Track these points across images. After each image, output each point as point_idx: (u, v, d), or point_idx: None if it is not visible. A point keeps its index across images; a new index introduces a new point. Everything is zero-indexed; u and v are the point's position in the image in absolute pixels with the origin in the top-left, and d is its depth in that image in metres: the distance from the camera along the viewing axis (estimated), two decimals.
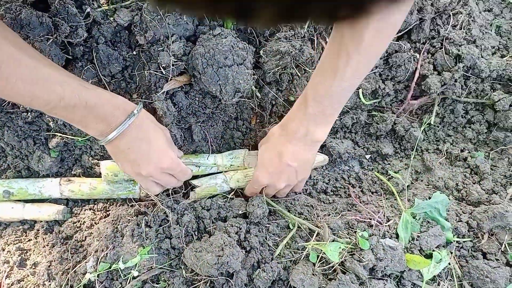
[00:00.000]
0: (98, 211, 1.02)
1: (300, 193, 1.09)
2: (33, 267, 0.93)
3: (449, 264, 0.95)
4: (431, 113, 1.11)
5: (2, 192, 0.97)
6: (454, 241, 0.98)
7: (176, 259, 0.92)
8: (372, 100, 1.12)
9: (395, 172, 1.10)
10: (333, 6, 0.27)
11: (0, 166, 1.03)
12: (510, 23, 1.12)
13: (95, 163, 1.03)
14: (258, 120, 1.11)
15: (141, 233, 0.90)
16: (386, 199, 1.07)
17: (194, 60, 0.92)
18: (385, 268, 0.90)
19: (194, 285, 0.90)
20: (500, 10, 1.13)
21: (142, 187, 0.97)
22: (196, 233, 0.94)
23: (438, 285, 0.95)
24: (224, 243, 0.87)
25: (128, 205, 1.01)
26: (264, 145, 0.99)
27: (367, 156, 1.16)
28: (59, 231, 0.98)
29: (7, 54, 0.66)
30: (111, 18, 0.94)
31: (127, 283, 0.88)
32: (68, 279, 0.89)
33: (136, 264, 0.88)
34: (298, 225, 0.98)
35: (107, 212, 1.02)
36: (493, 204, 0.99)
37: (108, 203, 1.04)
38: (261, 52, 1.00)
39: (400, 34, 1.07)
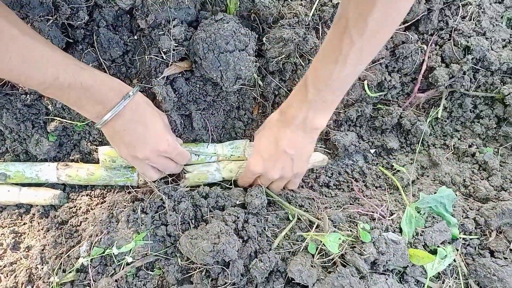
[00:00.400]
0: (95, 197, 1.01)
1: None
2: (27, 250, 0.92)
3: (455, 261, 0.92)
4: (439, 107, 1.08)
5: None
6: (460, 238, 0.94)
7: (171, 247, 0.90)
8: (377, 93, 1.09)
9: (398, 170, 1.07)
10: None
11: None
12: None
13: (94, 149, 1.02)
14: (260, 111, 1.09)
15: (137, 219, 0.88)
16: (390, 193, 1.04)
17: (195, 45, 0.91)
18: (387, 263, 0.87)
19: (189, 274, 0.88)
20: (511, 2, 1.10)
21: (139, 172, 0.95)
22: (193, 221, 0.92)
23: (443, 282, 0.92)
24: (220, 231, 0.85)
25: (125, 191, 0.99)
26: (261, 132, 0.96)
27: (372, 151, 1.13)
28: (55, 215, 0.97)
29: (2, 31, 0.65)
30: (113, 2, 0.93)
31: (121, 269, 0.86)
32: (61, 263, 0.87)
33: (130, 250, 0.86)
34: (298, 216, 0.95)
35: (104, 199, 1.00)
36: (501, 200, 0.96)
37: (106, 189, 1.02)
38: (264, 39, 0.98)
39: (407, 24, 1.04)
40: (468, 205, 0.98)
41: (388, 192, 1.04)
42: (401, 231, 0.93)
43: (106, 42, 0.94)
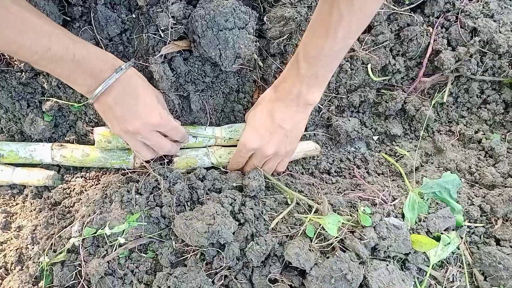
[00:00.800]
0: (89, 179, 0.99)
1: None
2: (18, 230, 0.90)
3: (459, 249, 0.88)
4: (444, 93, 1.05)
5: None
6: (465, 225, 0.91)
7: (166, 229, 0.87)
8: (381, 77, 1.06)
9: (403, 154, 1.04)
10: None
11: None
12: None
13: (90, 130, 0.99)
14: (260, 94, 1.06)
15: (131, 199, 0.86)
16: (393, 180, 1.01)
17: (194, 23, 0.89)
18: (388, 248, 0.84)
19: (184, 257, 0.85)
20: None
21: (133, 150, 0.93)
22: (188, 203, 0.89)
23: (446, 271, 0.89)
24: (216, 212, 0.82)
25: (120, 174, 0.97)
26: (254, 109, 0.94)
27: (375, 138, 1.10)
28: (48, 196, 0.95)
29: None
30: None
31: (113, 250, 0.83)
32: (52, 244, 0.85)
33: (123, 231, 0.84)
34: (296, 201, 0.92)
35: (99, 181, 0.98)
36: (508, 187, 0.92)
37: (101, 172, 1.00)
38: (265, 18, 0.95)
39: (413, 6, 1.02)
40: (473, 192, 0.95)
41: (390, 179, 1.01)
42: (403, 217, 0.90)
43: (103, 20, 0.92)
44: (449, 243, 0.86)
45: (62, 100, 0.96)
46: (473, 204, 0.92)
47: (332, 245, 0.83)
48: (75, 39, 0.76)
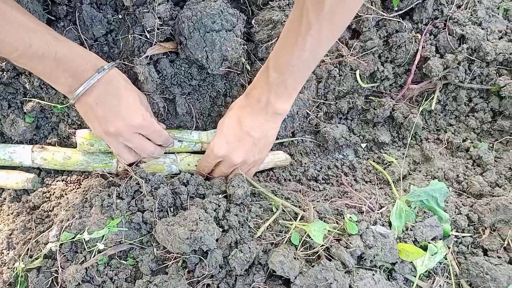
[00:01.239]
0: (71, 183, 0.96)
1: None
2: None
3: (446, 259, 0.87)
4: (432, 101, 1.04)
5: None
6: (453, 235, 0.90)
7: (147, 235, 0.85)
8: (370, 84, 1.05)
9: (391, 161, 1.03)
10: None
11: None
12: None
13: (72, 132, 0.97)
14: None
15: (111, 204, 0.84)
16: (380, 188, 1.00)
17: (180, 24, 0.87)
18: (374, 257, 0.82)
19: (165, 264, 0.83)
20: None
21: (114, 153, 0.90)
22: (171, 209, 0.87)
23: (433, 282, 0.87)
24: (199, 218, 0.80)
25: (102, 177, 0.94)
26: (225, 115, 0.92)
27: (363, 145, 1.09)
28: (27, 200, 0.92)
29: None
30: None
31: (92, 256, 0.80)
32: (28, 249, 0.82)
33: (103, 237, 0.81)
34: (282, 208, 0.90)
35: (80, 185, 0.95)
36: (496, 196, 0.91)
37: (83, 176, 0.97)
38: (253, 21, 0.94)
39: (401, 12, 1.01)
40: (461, 201, 0.94)
41: (378, 187, 1.00)
42: (390, 225, 0.88)
43: (89, 20, 0.90)
44: (436, 252, 0.85)
45: (44, 101, 0.94)
46: (461, 213, 0.91)
47: (318, 254, 0.81)
48: (58, 37, 0.75)
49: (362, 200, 0.92)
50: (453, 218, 0.90)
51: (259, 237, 0.85)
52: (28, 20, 0.71)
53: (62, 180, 0.96)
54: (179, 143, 0.97)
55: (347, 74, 1.03)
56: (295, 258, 0.80)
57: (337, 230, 0.84)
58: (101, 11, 0.92)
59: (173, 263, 0.82)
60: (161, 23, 0.89)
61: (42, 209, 0.89)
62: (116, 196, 0.85)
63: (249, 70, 0.99)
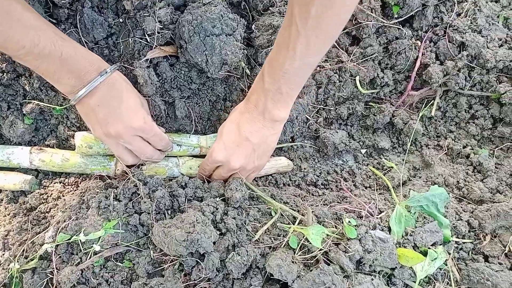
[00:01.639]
0: (68, 185, 0.96)
1: None
2: None
3: (446, 265, 0.86)
4: (432, 107, 1.04)
5: None
6: (453, 241, 0.88)
7: (144, 238, 0.84)
8: (370, 90, 1.05)
9: (391, 166, 1.02)
10: None
11: None
12: None
13: (71, 134, 0.97)
14: None
15: (108, 205, 0.83)
16: (380, 194, 0.99)
17: (181, 28, 0.88)
18: (373, 262, 0.81)
19: (162, 267, 0.82)
20: (508, 1, 1.07)
21: (115, 155, 0.90)
22: (169, 211, 0.86)
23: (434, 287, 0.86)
24: (196, 220, 0.79)
25: (99, 179, 0.94)
26: (226, 120, 0.92)
27: (363, 151, 1.09)
28: (24, 201, 0.91)
29: None
30: None
31: (88, 258, 0.80)
32: (24, 250, 0.81)
33: (99, 238, 0.80)
34: (280, 212, 0.89)
35: (78, 187, 0.95)
36: (497, 202, 0.91)
37: (81, 178, 0.97)
38: (253, 26, 0.95)
39: (401, 20, 1.02)
40: (461, 207, 0.93)
41: (377, 192, 0.99)
42: (389, 230, 0.87)
43: (90, 23, 0.91)
44: (436, 258, 0.84)
45: (44, 103, 0.94)
46: (461, 219, 0.90)
47: (316, 258, 0.80)
48: (64, 36, 0.76)
49: (361, 204, 0.91)
50: (453, 224, 0.89)
51: (256, 240, 0.84)
52: (36, 18, 0.72)
53: (60, 182, 0.96)
54: (178, 147, 0.97)
55: (347, 80, 1.03)
56: (293, 262, 0.79)
57: (336, 234, 0.83)
58: (102, 14, 0.93)
59: (169, 266, 0.81)
60: (161, 26, 0.89)
61: (38, 211, 0.88)
62: (113, 198, 0.85)
63: (249, 74, 0.99)
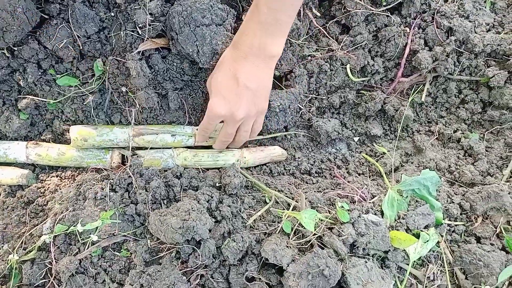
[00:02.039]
0: (65, 178, 0.97)
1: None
2: None
3: (438, 246, 0.87)
4: (422, 93, 1.06)
5: None
6: (445, 224, 0.90)
7: (141, 227, 0.85)
8: (361, 78, 1.07)
9: (383, 152, 1.04)
10: None
11: None
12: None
13: (66, 129, 0.98)
14: None
15: (105, 196, 0.84)
16: (373, 180, 1.00)
17: (171, 19, 0.89)
18: (367, 245, 0.82)
19: (159, 256, 0.83)
20: None
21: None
22: (165, 201, 0.87)
23: (427, 270, 0.87)
24: (192, 208, 0.81)
25: (96, 172, 0.95)
26: (216, 73, 0.89)
27: (356, 139, 1.10)
28: (21, 195, 0.92)
29: None
30: None
31: (85, 248, 0.81)
32: (23, 242, 0.82)
33: (96, 228, 0.82)
34: (275, 199, 0.91)
35: (74, 180, 0.96)
36: (487, 185, 0.92)
37: (77, 171, 0.98)
38: (243, 16, 0.96)
39: (389, 7, 1.03)
40: (453, 190, 0.94)
41: (370, 178, 1.01)
42: (382, 214, 0.89)
43: (81, 17, 0.92)
44: (428, 240, 0.85)
45: (38, 97, 0.95)
46: (453, 202, 0.91)
47: (310, 242, 0.82)
48: None
49: (354, 190, 0.92)
50: (445, 207, 0.91)
51: (252, 227, 0.85)
52: None
53: (57, 176, 0.97)
54: (172, 137, 0.98)
55: (338, 68, 1.04)
56: (287, 246, 0.81)
57: (329, 219, 0.85)
58: (93, 9, 0.94)
59: (166, 254, 0.82)
60: (152, 19, 0.90)
61: (36, 204, 0.90)
62: (109, 189, 0.86)
63: None
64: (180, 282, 0.76)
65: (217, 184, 0.92)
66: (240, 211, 0.87)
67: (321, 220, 0.83)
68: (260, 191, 0.94)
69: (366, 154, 1.07)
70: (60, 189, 0.92)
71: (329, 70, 1.04)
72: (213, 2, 0.89)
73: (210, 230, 0.82)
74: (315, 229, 0.81)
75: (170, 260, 0.81)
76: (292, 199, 0.92)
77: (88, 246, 0.81)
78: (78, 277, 0.79)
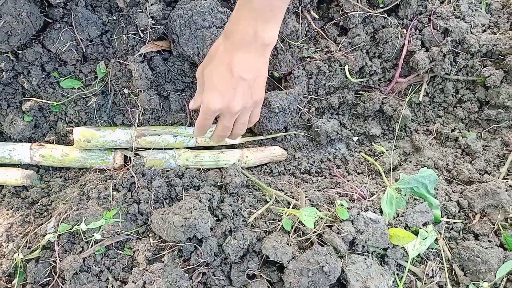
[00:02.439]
0: (69, 179, 0.98)
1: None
2: None
3: (437, 243, 0.88)
4: (420, 93, 1.07)
5: None
6: (444, 221, 0.91)
7: (143, 226, 0.87)
8: (359, 79, 1.08)
9: (381, 151, 1.05)
10: None
11: None
12: (500, 1, 1.09)
13: (70, 130, 1.00)
14: None
15: (108, 196, 0.86)
16: (372, 179, 1.02)
17: (172, 22, 0.90)
18: (366, 243, 0.84)
19: (161, 254, 0.84)
20: None
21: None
22: (167, 200, 0.89)
23: (425, 267, 0.88)
24: (193, 206, 0.82)
25: (99, 172, 0.96)
26: (209, 65, 0.84)
27: (355, 139, 1.12)
28: (26, 196, 0.94)
29: None
30: None
31: (89, 247, 0.82)
32: (27, 241, 0.84)
33: (99, 227, 0.83)
34: (275, 198, 0.92)
35: (78, 181, 0.97)
36: (485, 182, 0.93)
37: (81, 172, 1.00)
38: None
39: (386, 9, 1.05)
40: (451, 188, 0.95)
41: (369, 177, 1.02)
42: (381, 212, 0.90)
43: (84, 21, 0.94)
44: (427, 237, 0.86)
45: (42, 100, 0.97)
46: (451, 200, 0.93)
47: (310, 240, 0.83)
48: None
49: (354, 188, 0.94)
50: (443, 205, 0.92)
51: (252, 225, 0.86)
52: None
53: (60, 177, 0.99)
54: (174, 138, 1.00)
55: (336, 69, 1.06)
56: (288, 244, 0.82)
57: (329, 217, 0.86)
58: (96, 12, 0.96)
59: (169, 252, 0.83)
60: (153, 22, 0.92)
61: (40, 204, 0.91)
62: (112, 189, 0.87)
63: None
64: (182, 279, 0.78)
65: (218, 184, 0.94)
66: (241, 210, 0.89)
67: (321, 218, 0.85)
68: (261, 190, 0.96)
69: (365, 153, 1.08)
70: (64, 189, 0.94)
71: (327, 71, 1.05)
72: (213, 5, 0.91)
73: (211, 228, 0.83)
74: (315, 227, 0.82)
75: (173, 258, 0.82)
76: (292, 198, 0.93)
77: (92, 244, 0.82)
78: (82, 275, 0.80)
